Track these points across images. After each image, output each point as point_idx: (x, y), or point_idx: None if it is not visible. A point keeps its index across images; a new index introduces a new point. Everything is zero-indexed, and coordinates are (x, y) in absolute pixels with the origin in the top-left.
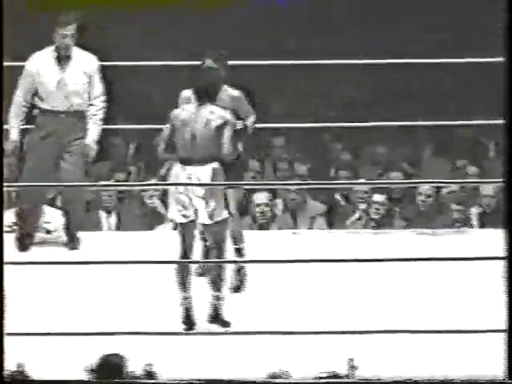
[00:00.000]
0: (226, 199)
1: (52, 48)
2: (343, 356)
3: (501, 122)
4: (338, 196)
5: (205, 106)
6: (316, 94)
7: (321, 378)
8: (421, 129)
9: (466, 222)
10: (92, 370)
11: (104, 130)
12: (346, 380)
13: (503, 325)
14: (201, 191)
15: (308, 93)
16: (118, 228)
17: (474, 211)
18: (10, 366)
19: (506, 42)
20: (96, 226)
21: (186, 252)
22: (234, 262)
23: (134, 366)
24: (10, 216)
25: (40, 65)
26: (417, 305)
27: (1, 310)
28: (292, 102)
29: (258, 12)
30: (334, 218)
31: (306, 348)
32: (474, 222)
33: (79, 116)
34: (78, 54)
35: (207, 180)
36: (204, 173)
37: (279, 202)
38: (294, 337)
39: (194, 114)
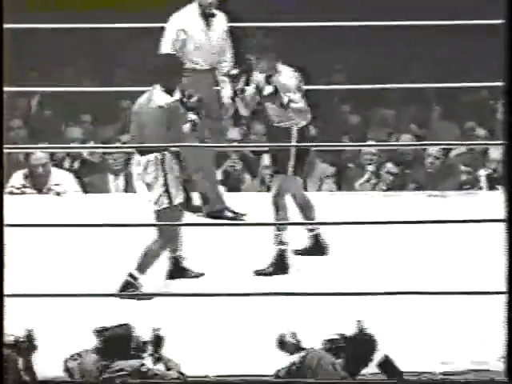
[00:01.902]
0: (167, 189)
1: (195, 6)
2: (350, 317)
3: (500, 84)
4: (346, 158)
5: (152, 91)
6: (326, 57)
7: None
8: (430, 91)
9: (474, 184)
10: (101, 333)
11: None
12: (345, 380)
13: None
14: (146, 179)
15: (318, 55)
16: (126, 190)
17: (483, 173)
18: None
19: (506, 3)
20: (103, 189)
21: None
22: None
23: (142, 332)
24: (18, 177)
25: (186, 23)
26: (423, 266)
27: (1, 273)
28: (302, 64)
29: None
30: (342, 180)
31: (314, 309)
32: (483, 183)
33: (214, 74)
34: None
35: (139, 171)
36: (138, 164)
37: None
38: (303, 298)
39: (144, 101)
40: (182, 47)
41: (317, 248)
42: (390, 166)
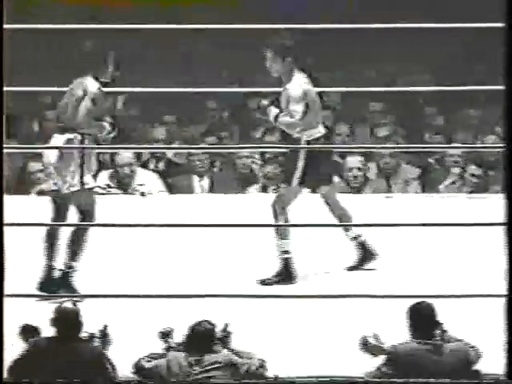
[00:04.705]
0: (81, 170)
1: None
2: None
3: (501, 87)
4: (431, 160)
5: None
6: (409, 58)
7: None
8: None
9: None
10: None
11: (201, 94)
12: (346, 380)
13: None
14: (54, 162)
15: (401, 56)
16: (211, 191)
17: None
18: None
19: (506, 6)
20: (188, 189)
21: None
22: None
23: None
24: (104, 177)
25: None
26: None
27: (1, 273)
28: (384, 65)
29: None
30: (427, 182)
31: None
32: None
33: None
34: None
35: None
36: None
37: (373, 166)
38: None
39: None
40: None
41: (365, 255)
42: (473, 168)
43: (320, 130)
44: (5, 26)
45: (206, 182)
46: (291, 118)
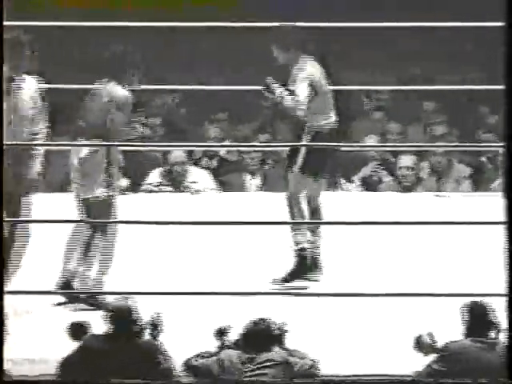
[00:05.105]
0: (108, 176)
1: None
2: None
3: (500, 87)
4: (483, 159)
5: None
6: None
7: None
8: None
9: None
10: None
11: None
12: (348, 380)
13: None
14: (77, 165)
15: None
16: (262, 189)
17: None
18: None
19: (506, 6)
20: (240, 187)
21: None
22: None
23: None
24: (155, 175)
25: None
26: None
27: (0, 272)
28: (436, 64)
29: None
30: (479, 181)
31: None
32: None
33: None
34: None
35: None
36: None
37: (425, 165)
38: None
39: None
40: None
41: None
42: None
43: (331, 117)
44: (7, 23)
45: (257, 179)
46: (296, 98)
